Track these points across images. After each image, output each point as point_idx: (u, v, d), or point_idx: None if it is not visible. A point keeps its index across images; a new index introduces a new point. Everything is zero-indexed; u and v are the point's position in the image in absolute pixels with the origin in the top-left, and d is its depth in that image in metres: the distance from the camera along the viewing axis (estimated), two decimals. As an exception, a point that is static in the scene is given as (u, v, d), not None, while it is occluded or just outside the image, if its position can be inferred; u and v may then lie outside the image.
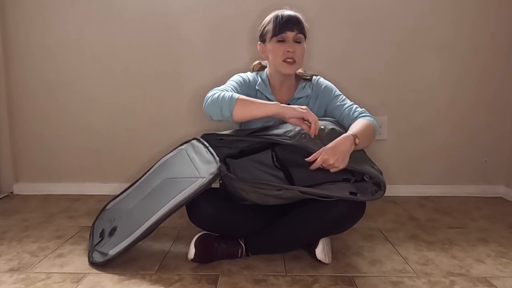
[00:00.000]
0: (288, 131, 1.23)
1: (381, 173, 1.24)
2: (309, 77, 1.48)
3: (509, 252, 1.38)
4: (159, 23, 1.97)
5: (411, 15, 1.96)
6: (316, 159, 1.16)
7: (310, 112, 1.20)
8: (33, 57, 2.01)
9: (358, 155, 1.24)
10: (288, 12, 1.35)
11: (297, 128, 1.23)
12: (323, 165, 1.16)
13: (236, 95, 1.23)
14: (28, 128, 2.06)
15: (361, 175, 1.28)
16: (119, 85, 2.02)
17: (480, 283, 1.16)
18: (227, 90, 1.30)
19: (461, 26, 1.96)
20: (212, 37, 1.98)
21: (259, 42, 1.43)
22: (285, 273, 1.22)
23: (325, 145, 1.18)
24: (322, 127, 1.25)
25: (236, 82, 1.40)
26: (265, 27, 1.38)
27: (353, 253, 1.37)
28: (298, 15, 1.36)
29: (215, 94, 1.26)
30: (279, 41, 1.34)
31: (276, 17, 1.34)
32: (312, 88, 1.45)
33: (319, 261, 1.26)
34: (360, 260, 1.31)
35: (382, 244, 1.44)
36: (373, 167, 1.24)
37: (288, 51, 1.32)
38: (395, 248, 1.41)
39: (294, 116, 1.20)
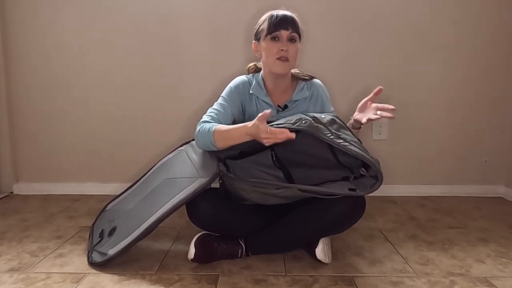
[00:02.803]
0: (289, 119, 1.23)
1: (378, 163, 1.24)
2: (307, 77, 1.47)
3: (509, 252, 1.38)
4: (159, 24, 1.97)
5: (411, 15, 1.96)
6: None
7: (270, 131, 1.14)
8: (33, 57, 2.00)
9: (359, 145, 1.24)
10: (283, 12, 1.35)
11: (298, 116, 1.23)
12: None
13: (213, 127, 1.27)
14: (28, 128, 2.06)
15: (359, 169, 1.27)
16: (119, 85, 2.02)
17: (480, 283, 1.16)
18: (212, 117, 1.34)
19: (462, 27, 1.96)
20: (212, 39, 1.97)
21: (253, 41, 1.42)
22: (285, 273, 1.22)
23: (329, 130, 1.18)
24: (322, 116, 1.25)
25: (220, 103, 1.39)
26: (260, 25, 1.38)
27: (353, 253, 1.37)
28: (293, 15, 1.36)
29: (198, 129, 1.31)
30: (273, 39, 1.33)
31: (271, 16, 1.34)
32: (309, 89, 1.44)
33: (319, 261, 1.26)
34: (360, 260, 1.31)
35: (382, 244, 1.44)
36: (371, 157, 1.25)
37: (281, 50, 1.32)
38: (395, 248, 1.41)
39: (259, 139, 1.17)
